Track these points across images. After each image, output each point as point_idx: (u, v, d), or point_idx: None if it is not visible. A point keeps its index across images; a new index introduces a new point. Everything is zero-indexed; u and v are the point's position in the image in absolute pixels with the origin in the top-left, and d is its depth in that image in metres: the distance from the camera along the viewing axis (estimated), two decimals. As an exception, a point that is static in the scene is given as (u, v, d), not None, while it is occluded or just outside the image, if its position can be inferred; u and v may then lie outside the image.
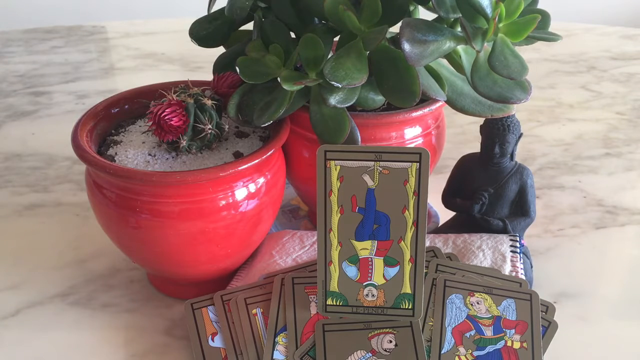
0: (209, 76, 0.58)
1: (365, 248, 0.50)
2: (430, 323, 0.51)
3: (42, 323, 0.57)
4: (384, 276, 0.51)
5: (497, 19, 0.47)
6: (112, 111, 0.59)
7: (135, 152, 0.54)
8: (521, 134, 0.60)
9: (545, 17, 0.51)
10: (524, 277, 0.56)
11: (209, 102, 0.53)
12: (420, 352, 0.49)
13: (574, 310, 0.58)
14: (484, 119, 0.59)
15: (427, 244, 0.59)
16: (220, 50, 0.61)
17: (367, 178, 0.49)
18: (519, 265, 0.57)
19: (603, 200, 0.74)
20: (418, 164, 0.48)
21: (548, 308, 0.53)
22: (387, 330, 0.50)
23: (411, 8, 0.55)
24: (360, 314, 0.51)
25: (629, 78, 1.07)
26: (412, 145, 0.58)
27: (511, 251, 0.58)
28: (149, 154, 0.54)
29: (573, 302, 0.59)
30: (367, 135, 0.56)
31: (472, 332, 0.50)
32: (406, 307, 0.51)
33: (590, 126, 0.91)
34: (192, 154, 0.54)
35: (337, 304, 0.51)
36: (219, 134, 0.54)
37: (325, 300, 0.51)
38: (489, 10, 0.47)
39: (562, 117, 0.94)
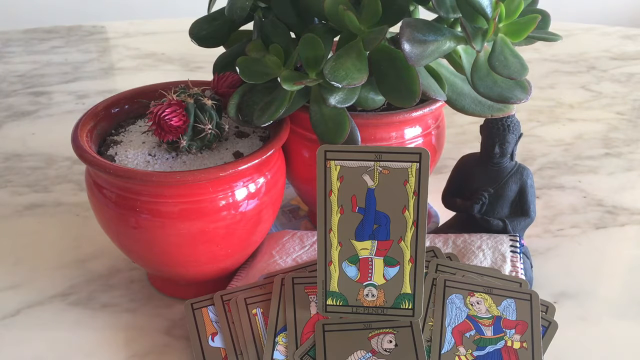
0: (209, 76, 0.58)
1: (365, 248, 0.50)
2: (430, 323, 0.51)
3: (42, 323, 0.57)
4: (384, 276, 0.50)
5: (497, 19, 0.47)
6: (112, 111, 0.59)
7: (135, 152, 0.54)
8: (521, 134, 0.60)
9: (545, 17, 0.51)
10: (524, 277, 0.56)
11: (209, 102, 0.53)
12: (420, 352, 0.49)
13: (574, 310, 0.58)
14: (484, 119, 0.59)
15: (427, 244, 0.59)
16: (220, 50, 0.61)
17: (367, 178, 0.49)
18: (519, 265, 0.57)
19: (603, 200, 0.74)
20: (418, 164, 0.48)
21: (548, 308, 0.53)
22: (387, 330, 0.50)
23: (411, 8, 0.55)
24: (360, 314, 0.51)
25: (629, 78, 1.07)
26: (412, 145, 0.58)
27: (511, 251, 0.58)
28: (149, 154, 0.54)
29: (573, 302, 0.59)
30: (367, 135, 0.56)
31: (472, 332, 0.50)
32: (406, 307, 0.51)
33: (590, 126, 0.91)
34: (192, 154, 0.54)
35: (337, 304, 0.51)
36: (219, 134, 0.54)
37: (325, 300, 0.51)
38: (489, 10, 0.47)
39: (562, 117, 0.94)
